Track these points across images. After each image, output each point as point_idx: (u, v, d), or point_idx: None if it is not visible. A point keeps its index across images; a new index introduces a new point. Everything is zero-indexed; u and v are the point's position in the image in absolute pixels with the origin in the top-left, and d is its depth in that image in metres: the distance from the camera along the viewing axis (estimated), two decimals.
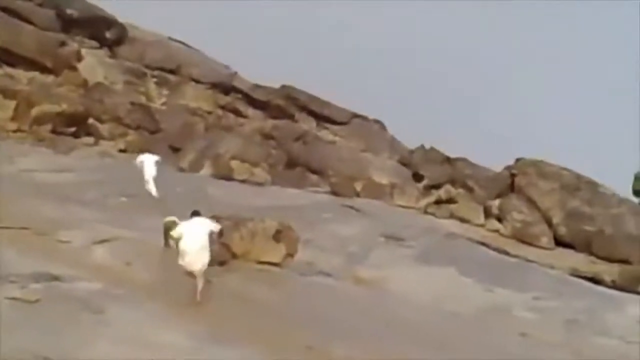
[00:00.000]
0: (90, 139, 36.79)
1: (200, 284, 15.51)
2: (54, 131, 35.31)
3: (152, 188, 24.32)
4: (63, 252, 16.91)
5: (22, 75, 39.38)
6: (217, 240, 17.13)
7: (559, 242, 32.98)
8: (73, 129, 36.45)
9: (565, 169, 35.92)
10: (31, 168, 26.35)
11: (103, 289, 14.71)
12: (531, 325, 20.26)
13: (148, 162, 25.20)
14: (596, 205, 34.35)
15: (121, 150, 36.21)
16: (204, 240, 15.56)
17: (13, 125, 34.65)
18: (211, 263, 16.21)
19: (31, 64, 40.21)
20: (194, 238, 15.45)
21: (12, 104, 35.44)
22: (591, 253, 32.17)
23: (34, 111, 35.32)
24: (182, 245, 15.46)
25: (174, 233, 15.94)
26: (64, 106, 36.41)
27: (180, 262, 15.52)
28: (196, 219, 16.12)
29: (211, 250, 15.78)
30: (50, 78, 40.15)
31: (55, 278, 14.44)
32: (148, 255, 18.19)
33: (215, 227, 16.08)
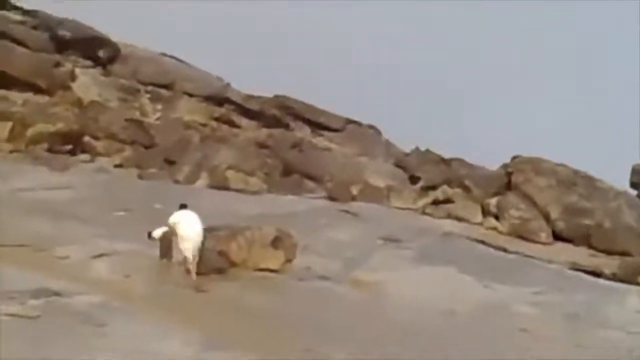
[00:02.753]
0: (87, 156, 36.96)
1: (194, 265, 17.64)
2: (50, 150, 35.50)
3: None
4: (62, 268, 17.03)
5: (17, 96, 39.49)
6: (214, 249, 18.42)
7: (558, 237, 33.01)
8: (69, 147, 36.63)
9: (561, 164, 36.01)
10: (28, 187, 26.41)
11: (102, 302, 14.82)
12: (531, 320, 20.26)
13: None
14: (594, 199, 34.44)
15: (117, 166, 36.37)
16: (200, 228, 17.79)
17: (9, 147, 34.82)
18: (208, 271, 17.19)
19: (25, 86, 40.35)
20: (191, 226, 17.68)
21: (8, 125, 35.62)
22: (590, 247, 32.24)
23: (30, 131, 35.54)
24: (181, 231, 17.65)
25: (170, 219, 17.94)
26: (60, 125, 36.60)
27: (180, 246, 17.67)
28: (186, 211, 18.13)
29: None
30: (45, 98, 40.30)
31: (55, 293, 14.54)
32: (146, 267, 18.38)
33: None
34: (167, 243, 18.90)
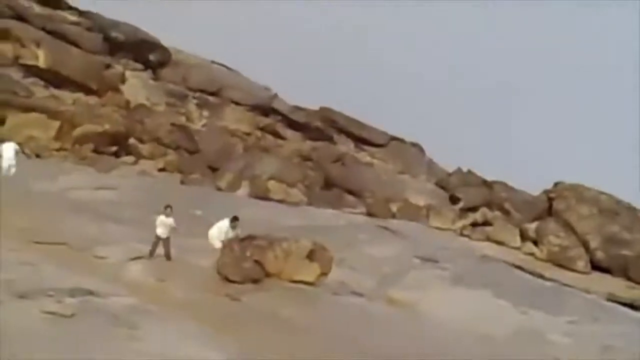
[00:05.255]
0: (131, 158, 37.37)
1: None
2: (95, 150, 36.01)
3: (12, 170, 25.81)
4: (99, 268, 17.24)
5: (67, 96, 40.16)
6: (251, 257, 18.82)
7: (596, 267, 32.65)
8: (114, 149, 37.09)
9: (604, 193, 35.61)
10: (72, 186, 26.75)
11: (136, 305, 14.91)
12: (566, 349, 19.99)
13: (8, 149, 26.31)
14: (635, 230, 33.99)
15: (160, 170, 36.73)
16: (218, 232, 19.76)
17: (56, 145, 35.35)
18: (244, 280, 17.17)
19: (76, 86, 41.01)
20: (214, 229, 19.84)
21: (56, 124, 36.16)
22: (629, 278, 31.80)
23: (77, 131, 36.04)
24: (209, 232, 20.01)
25: None
26: (106, 126, 37.08)
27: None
28: (226, 220, 19.98)
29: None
30: (94, 99, 40.91)
31: (91, 293, 14.66)
32: (181, 272, 18.52)
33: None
34: None
